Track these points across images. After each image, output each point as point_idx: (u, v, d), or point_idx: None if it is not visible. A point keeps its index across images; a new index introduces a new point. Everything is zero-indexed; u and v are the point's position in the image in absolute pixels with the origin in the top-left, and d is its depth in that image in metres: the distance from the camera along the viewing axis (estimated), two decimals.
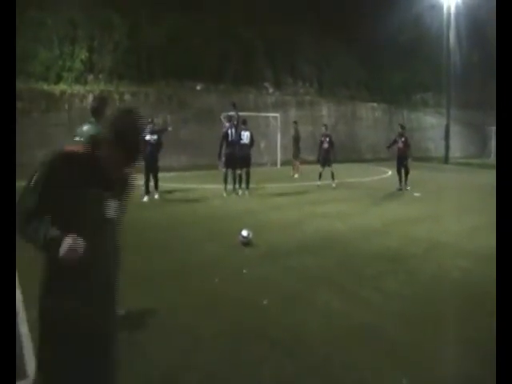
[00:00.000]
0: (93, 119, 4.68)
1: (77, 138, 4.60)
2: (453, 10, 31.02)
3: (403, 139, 16.18)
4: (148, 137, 12.53)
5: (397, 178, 16.40)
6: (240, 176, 14.20)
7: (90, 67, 23.19)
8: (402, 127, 16.93)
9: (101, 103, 5.09)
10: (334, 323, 4.92)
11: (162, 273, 6.56)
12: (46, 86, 21.09)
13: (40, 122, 19.73)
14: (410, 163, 16.23)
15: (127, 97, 22.58)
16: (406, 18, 30.63)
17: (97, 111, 4.72)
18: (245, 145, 14.13)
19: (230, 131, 14.00)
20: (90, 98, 21.88)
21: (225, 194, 14.00)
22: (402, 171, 16.16)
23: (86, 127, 4.66)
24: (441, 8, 31.56)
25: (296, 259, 7.31)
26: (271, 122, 25.63)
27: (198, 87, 25.60)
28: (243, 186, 14.18)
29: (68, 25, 22.63)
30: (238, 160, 14.04)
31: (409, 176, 16.17)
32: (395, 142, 16.50)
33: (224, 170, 14.27)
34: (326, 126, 17.72)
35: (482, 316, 5.07)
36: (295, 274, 6.57)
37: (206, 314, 5.11)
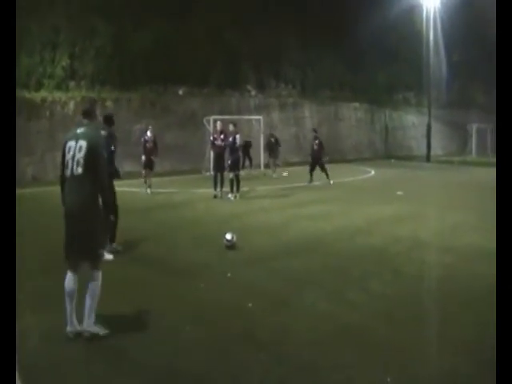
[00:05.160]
0: (86, 121, 4.85)
1: (72, 143, 4.63)
2: (433, 11, 31.45)
3: (317, 142, 17.92)
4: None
5: (308, 175, 17.83)
6: (231, 180, 14.20)
7: (72, 73, 23.00)
8: (315, 131, 18.81)
9: (93, 106, 5.38)
10: (320, 325, 4.96)
11: (147, 278, 6.58)
12: (27, 94, 20.87)
13: (21, 130, 19.47)
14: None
15: (109, 103, 22.45)
16: (388, 20, 30.90)
17: (89, 113, 4.95)
18: (236, 148, 14.22)
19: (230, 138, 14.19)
20: (72, 104, 21.76)
21: (219, 195, 14.20)
22: (318, 169, 17.73)
23: (82, 129, 4.72)
24: (421, 10, 31.97)
25: (281, 261, 7.36)
26: (254, 125, 25.67)
27: (181, 92, 25.57)
28: (234, 189, 14.20)
29: (49, 31, 22.40)
30: (228, 163, 14.18)
31: (328, 171, 17.77)
32: (312, 145, 18.23)
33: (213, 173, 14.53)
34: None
35: (468, 313, 5.17)
36: (280, 277, 6.62)
37: (192, 318, 5.14)
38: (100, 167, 4.61)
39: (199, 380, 3.93)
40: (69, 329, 4.60)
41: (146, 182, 15.44)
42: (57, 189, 4.95)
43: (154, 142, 15.59)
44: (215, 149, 14.27)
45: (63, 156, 4.67)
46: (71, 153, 4.58)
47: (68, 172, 4.60)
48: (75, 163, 4.53)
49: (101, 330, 4.63)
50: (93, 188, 4.58)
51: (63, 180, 4.71)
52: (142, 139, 15.73)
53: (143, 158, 15.45)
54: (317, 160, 17.87)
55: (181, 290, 6.11)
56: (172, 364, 4.16)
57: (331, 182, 17.57)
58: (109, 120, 7.99)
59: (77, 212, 4.59)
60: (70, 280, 4.64)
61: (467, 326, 4.85)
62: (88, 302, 4.59)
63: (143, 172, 15.59)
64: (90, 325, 4.59)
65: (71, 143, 4.62)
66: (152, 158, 15.43)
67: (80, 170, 4.51)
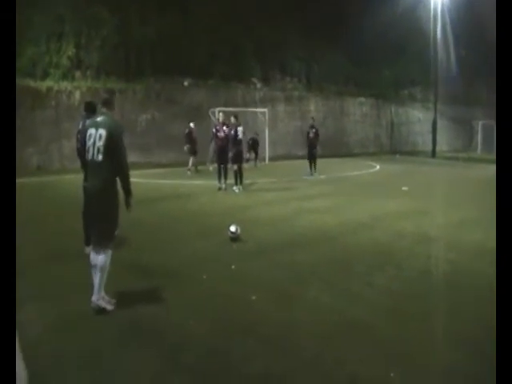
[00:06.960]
0: (105, 110, 5.14)
1: (92, 130, 5.00)
2: (440, 6, 31.21)
3: (314, 130, 18.34)
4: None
5: (308, 164, 18.40)
6: (235, 172, 14.18)
7: (78, 63, 22.97)
8: (313, 119, 19.51)
9: (112, 96, 5.70)
10: (324, 318, 4.94)
11: (150, 269, 6.58)
12: (32, 83, 20.87)
13: (27, 119, 19.55)
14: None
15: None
16: (395, 14, 30.73)
17: (109, 103, 5.21)
18: (239, 140, 14.16)
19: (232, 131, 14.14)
20: (77, 94, 21.75)
21: (223, 187, 14.20)
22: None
23: (101, 118, 5.08)
24: (428, 4, 31.74)
25: (285, 254, 7.34)
26: (259, 118, 25.62)
27: (186, 83, 25.48)
28: (238, 181, 14.18)
29: (55, 20, 22.35)
30: (231, 156, 14.16)
31: (317, 162, 18.39)
32: (308, 133, 18.51)
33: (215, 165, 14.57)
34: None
35: (472, 309, 5.15)
36: (285, 269, 6.59)
37: (195, 310, 5.13)
38: (120, 154, 4.94)
39: (202, 374, 3.91)
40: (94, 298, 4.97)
41: (190, 169, 18.66)
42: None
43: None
44: (218, 141, 14.20)
45: (84, 143, 5.08)
46: (92, 140, 4.95)
47: (89, 157, 5.00)
48: (95, 150, 4.91)
49: (108, 305, 4.98)
50: (111, 173, 4.95)
51: (85, 164, 5.22)
52: (187, 130, 19.06)
53: (188, 146, 18.90)
54: (311, 148, 18.20)
55: (184, 281, 6.11)
56: (174, 358, 4.14)
57: (318, 174, 18.01)
58: (92, 108, 7.25)
59: (96, 195, 5.01)
60: (94, 256, 5.01)
61: (470, 321, 4.83)
62: (97, 277, 4.90)
63: (191, 159, 18.83)
64: (98, 299, 4.94)
65: (91, 130, 5.00)
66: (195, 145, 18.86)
67: (100, 157, 4.89)
